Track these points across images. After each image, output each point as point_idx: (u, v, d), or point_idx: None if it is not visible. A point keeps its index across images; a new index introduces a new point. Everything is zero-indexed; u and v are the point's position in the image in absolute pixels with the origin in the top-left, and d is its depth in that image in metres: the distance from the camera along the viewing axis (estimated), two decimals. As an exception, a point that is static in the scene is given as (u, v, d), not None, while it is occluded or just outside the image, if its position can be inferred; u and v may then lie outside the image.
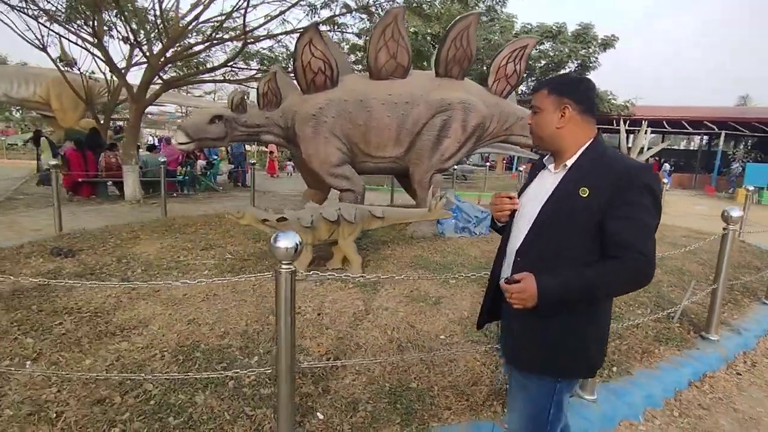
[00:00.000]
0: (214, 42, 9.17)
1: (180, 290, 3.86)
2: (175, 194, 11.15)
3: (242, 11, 7.83)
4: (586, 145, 1.51)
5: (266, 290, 3.92)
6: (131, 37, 10.94)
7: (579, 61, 20.62)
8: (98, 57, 9.93)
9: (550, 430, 1.61)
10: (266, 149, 18.38)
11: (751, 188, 8.65)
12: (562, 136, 1.53)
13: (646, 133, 7.40)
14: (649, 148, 7.31)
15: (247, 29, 7.98)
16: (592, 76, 21.31)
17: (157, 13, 8.69)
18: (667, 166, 21.00)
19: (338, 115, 5.54)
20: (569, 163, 1.51)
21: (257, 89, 5.46)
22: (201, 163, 12.70)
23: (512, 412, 1.71)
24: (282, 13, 8.46)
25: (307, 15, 8.18)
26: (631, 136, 7.64)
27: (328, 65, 5.45)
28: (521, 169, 12.93)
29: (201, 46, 9.30)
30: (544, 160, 1.65)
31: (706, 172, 21.49)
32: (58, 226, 6.11)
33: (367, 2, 8.29)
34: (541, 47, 19.66)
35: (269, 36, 8.75)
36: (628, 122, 20.31)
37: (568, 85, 1.55)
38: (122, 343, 2.95)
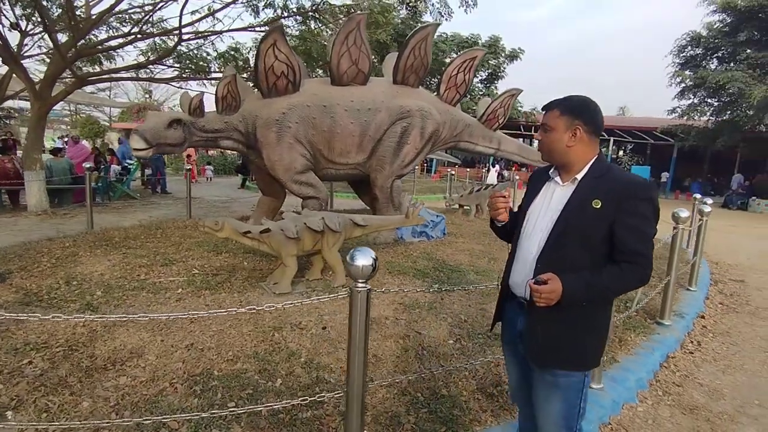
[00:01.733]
0: (138, 36, 8.33)
1: (157, 314, 3.50)
2: (84, 203, 9.96)
3: (175, 5, 7.21)
4: (592, 161, 1.67)
5: (253, 305, 3.70)
6: (21, 23, 9.59)
7: (489, 71, 22.09)
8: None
9: (578, 423, 1.72)
10: (183, 153, 17.11)
11: None
12: (571, 153, 1.67)
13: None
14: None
15: (184, 24, 7.35)
16: (500, 84, 22.98)
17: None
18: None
19: (302, 120, 5.39)
20: (579, 177, 1.66)
21: (216, 92, 5.10)
22: (115, 168, 11.46)
23: (542, 414, 1.75)
24: (219, 10, 7.97)
25: (250, 14, 7.80)
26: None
27: (291, 69, 5.27)
28: (453, 172, 13.50)
29: (122, 40, 8.37)
30: (549, 172, 1.77)
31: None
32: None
33: (316, 5, 8.11)
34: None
35: (209, 33, 8.17)
36: (533, 128, 22.43)
37: (579, 107, 1.66)
38: (120, 378, 2.62)
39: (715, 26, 18.13)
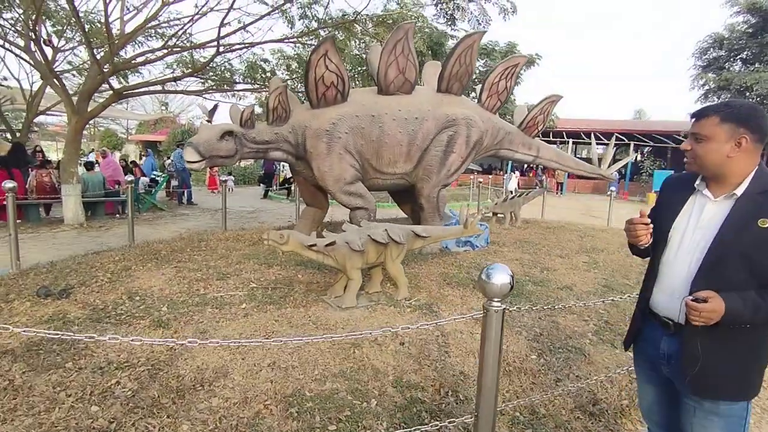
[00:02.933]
0: (175, 50, 8.38)
1: (228, 330, 3.44)
2: (117, 216, 10.02)
3: (217, 16, 7.25)
4: (753, 173, 1.51)
5: (324, 322, 3.64)
6: (54, 40, 9.73)
7: (507, 77, 21.97)
8: (24, 59, 8.66)
9: None
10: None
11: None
12: (731, 164, 1.51)
13: (615, 147, 8.00)
14: (616, 160, 7.93)
15: (221, 36, 7.37)
16: (517, 90, 22.85)
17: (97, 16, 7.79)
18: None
19: (351, 130, 5.35)
20: (739, 192, 1.50)
21: (267, 103, 5.08)
22: (144, 180, 11.52)
23: None
24: (252, 23, 8.00)
25: (286, 25, 7.81)
26: (599, 149, 8.23)
27: (340, 79, 5.24)
28: (480, 179, 13.39)
29: (160, 53, 8.44)
30: (696, 184, 1.63)
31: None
32: (15, 260, 5.16)
33: (355, 16, 8.10)
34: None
35: (247, 45, 8.19)
36: (551, 134, 22.27)
37: (745, 113, 1.49)
38: (212, 399, 2.54)
39: (738, 27, 17.91)
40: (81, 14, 8.10)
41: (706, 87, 18.33)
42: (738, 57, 18.43)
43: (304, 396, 2.60)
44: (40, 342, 3.09)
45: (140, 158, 21.14)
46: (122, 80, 10.46)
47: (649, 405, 1.85)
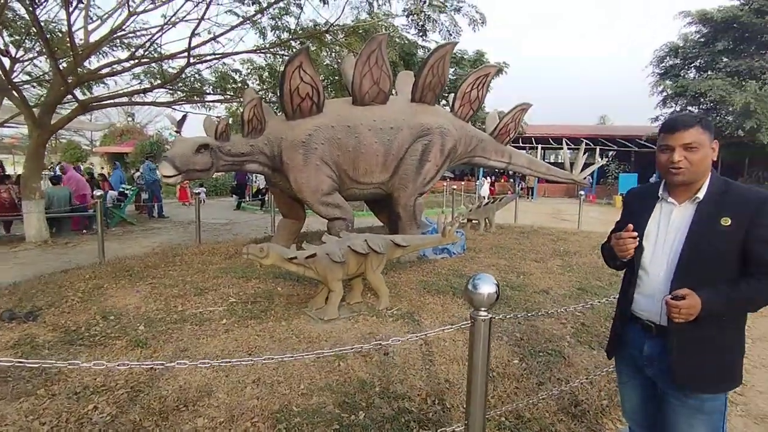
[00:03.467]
0: (143, 61, 8.20)
1: (210, 347, 3.38)
2: (84, 231, 9.67)
3: (187, 27, 7.13)
4: (709, 177, 1.64)
5: (307, 334, 3.61)
6: (11, 50, 9.37)
7: (476, 85, 22.42)
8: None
9: None
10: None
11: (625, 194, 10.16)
12: (707, 170, 1.63)
13: (585, 153, 8.27)
14: (587, 165, 8.19)
15: (192, 47, 7.26)
16: (487, 97, 23.33)
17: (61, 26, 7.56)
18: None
19: (328, 141, 5.36)
20: (700, 195, 1.62)
21: (241, 115, 5.03)
22: (112, 194, 11.16)
23: None
24: (222, 34, 7.92)
25: (258, 36, 7.76)
26: (568, 154, 8.47)
27: (316, 90, 5.25)
28: (454, 186, 13.56)
29: (127, 64, 8.23)
30: (659, 192, 1.72)
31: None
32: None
33: (327, 27, 8.12)
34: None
35: (220, 56, 8.09)
36: (521, 140, 22.82)
37: (710, 123, 1.64)
38: (197, 420, 2.49)
39: (691, 37, 18.86)
40: (42, 23, 7.84)
41: (664, 93, 19.17)
42: (692, 65, 19.39)
43: (292, 411, 2.58)
44: (7, 369, 2.95)
45: (101, 169, 20.51)
46: (86, 91, 10.16)
47: (633, 407, 1.91)
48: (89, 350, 3.31)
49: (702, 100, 17.76)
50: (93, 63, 9.45)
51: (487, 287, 1.83)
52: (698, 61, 18.94)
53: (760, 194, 1.59)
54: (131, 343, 3.41)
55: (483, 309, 1.85)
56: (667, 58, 19.78)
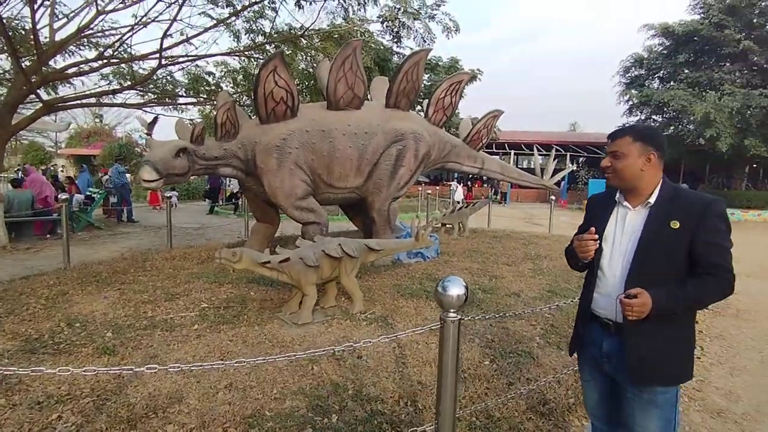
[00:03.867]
0: (112, 61, 8.00)
1: (181, 353, 3.33)
2: (48, 236, 9.33)
3: (159, 27, 6.99)
4: (660, 183, 1.76)
5: (280, 339, 3.60)
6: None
7: (451, 91, 22.76)
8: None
9: None
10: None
11: None
12: (643, 178, 1.75)
13: (555, 159, 8.50)
14: (557, 171, 8.42)
15: (163, 48, 7.13)
16: (461, 105, 23.70)
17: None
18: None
19: (302, 146, 5.35)
20: (652, 200, 1.75)
21: (215, 119, 4.98)
22: (78, 197, 10.81)
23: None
24: (196, 35, 7.82)
25: (232, 39, 7.69)
26: (539, 160, 8.67)
27: (290, 95, 5.25)
28: (429, 191, 13.68)
29: (95, 64, 8.01)
30: (616, 198, 1.85)
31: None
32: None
33: (302, 31, 8.10)
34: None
35: (193, 58, 7.96)
36: (494, 146, 23.24)
37: (652, 135, 1.77)
38: (167, 426, 2.45)
39: (655, 49, 19.67)
40: (4, 20, 7.57)
41: (630, 102, 19.90)
42: (656, 75, 20.22)
43: (264, 416, 2.57)
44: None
45: (61, 171, 19.81)
46: (51, 92, 9.82)
47: (594, 403, 2.00)
48: (53, 358, 3.21)
49: (665, 109, 18.53)
50: (59, 62, 9.19)
51: (456, 289, 1.88)
52: (661, 72, 19.76)
53: (705, 199, 1.71)
54: (98, 350, 3.32)
55: (452, 310, 1.90)
56: (633, 68, 20.56)
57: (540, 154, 8.48)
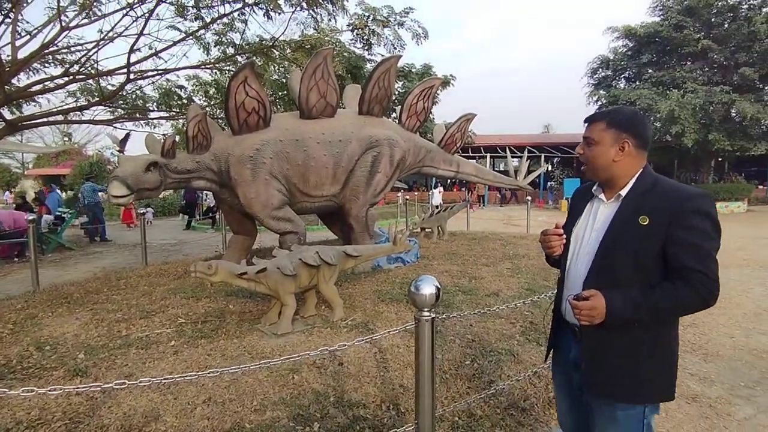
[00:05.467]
0: (78, 78, 7.84)
1: (157, 370, 3.25)
2: (16, 259, 9.03)
3: (126, 42, 6.89)
4: (637, 174, 1.57)
5: (260, 350, 3.55)
6: None
7: (425, 97, 23.03)
8: None
9: None
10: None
11: (570, 199, 10.78)
12: (617, 167, 1.57)
13: (528, 160, 8.66)
14: (530, 172, 8.56)
15: (131, 63, 7.03)
16: (435, 109, 23.95)
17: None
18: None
19: (276, 155, 5.33)
20: (623, 192, 1.57)
21: (186, 131, 4.92)
22: (47, 218, 10.50)
23: None
24: (164, 49, 7.73)
25: (202, 51, 7.61)
26: (514, 161, 8.81)
27: (262, 105, 5.23)
28: (407, 197, 13.75)
29: (61, 81, 7.83)
30: (593, 190, 1.70)
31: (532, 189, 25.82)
32: None
33: (272, 42, 8.09)
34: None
35: (161, 72, 7.85)
36: (470, 150, 23.53)
37: (628, 120, 1.57)
38: (144, 446, 2.39)
39: (620, 50, 20.32)
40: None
41: (599, 102, 20.48)
42: (622, 76, 20.90)
43: (244, 428, 2.53)
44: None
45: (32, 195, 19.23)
46: (15, 110, 9.55)
47: (564, 410, 1.86)
48: (22, 383, 3.09)
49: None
50: (22, 80, 8.96)
51: (428, 288, 1.90)
52: (627, 72, 20.45)
53: (683, 192, 1.49)
54: (70, 372, 3.22)
55: (426, 309, 1.91)
56: (600, 69, 21.18)
57: (514, 156, 8.63)
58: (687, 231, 1.44)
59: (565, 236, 1.72)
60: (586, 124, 1.66)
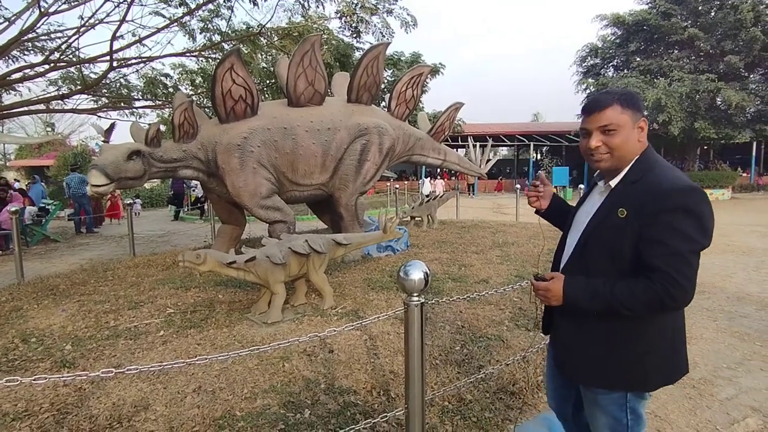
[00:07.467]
0: (59, 65, 7.65)
1: (146, 360, 3.23)
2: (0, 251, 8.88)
3: (108, 29, 6.73)
4: (634, 161, 1.47)
5: (250, 339, 3.55)
6: None
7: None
8: None
9: None
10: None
11: (559, 186, 10.90)
12: (631, 153, 1.47)
13: (493, 147, 8.70)
14: (488, 160, 8.65)
15: (114, 50, 6.87)
16: (425, 98, 23.89)
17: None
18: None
19: (264, 144, 5.27)
20: (614, 183, 1.50)
21: (172, 120, 4.84)
22: (31, 210, 10.30)
23: (594, 428, 1.65)
24: (148, 36, 7.56)
25: (187, 39, 7.46)
26: (478, 149, 8.74)
27: (249, 93, 5.16)
28: (397, 186, 13.74)
29: (41, 69, 7.63)
30: (594, 176, 1.65)
31: (519, 177, 25.97)
32: None
33: (259, 29, 7.95)
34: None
35: (145, 59, 7.68)
36: (459, 138, 23.55)
37: (635, 98, 1.47)
38: (133, 435, 2.38)
39: (608, 39, 20.37)
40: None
41: (588, 90, 20.56)
42: (610, 64, 20.98)
43: (235, 416, 2.53)
44: None
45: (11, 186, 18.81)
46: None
47: (552, 395, 1.88)
48: (7, 376, 3.05)
49: (620, 96, 19.20)
50: (1, 68, 8.74)
51: (417, 273, 1.90)
52: (615, 60, 20.53)
53: (668, 184, 1.38)
54: (56, 364, 3.18)
55: (415, 294, 1.92)
56: (588, 57, 21.23)
57: (482, 145, 8.71)
58: (658, 227, 1.35)
59: (543, 192, 1.84)
60: (596, 111, 1.47)
